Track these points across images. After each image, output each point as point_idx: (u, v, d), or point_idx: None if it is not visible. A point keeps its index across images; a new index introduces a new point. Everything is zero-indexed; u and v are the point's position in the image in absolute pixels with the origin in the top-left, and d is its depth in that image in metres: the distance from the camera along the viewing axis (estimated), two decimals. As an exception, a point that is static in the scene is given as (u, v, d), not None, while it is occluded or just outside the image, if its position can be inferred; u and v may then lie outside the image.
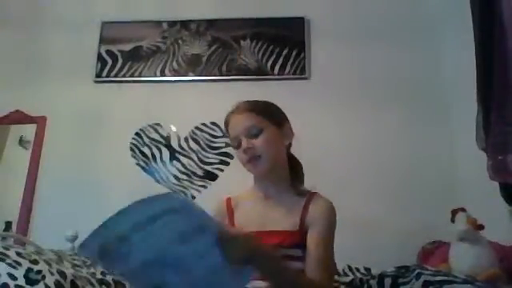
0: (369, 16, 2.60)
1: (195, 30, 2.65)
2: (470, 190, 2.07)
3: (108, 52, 2.63)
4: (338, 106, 2.45)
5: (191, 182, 2.36)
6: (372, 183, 2.28)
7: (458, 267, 1.37)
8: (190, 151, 2.42)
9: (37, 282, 1.04)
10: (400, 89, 2.46)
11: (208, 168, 2.39)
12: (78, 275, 1.19)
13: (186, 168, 2.39)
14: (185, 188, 2.35)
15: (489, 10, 1.60)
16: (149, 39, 2.65)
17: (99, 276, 1.28)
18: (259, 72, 2.54)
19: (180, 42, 2.63)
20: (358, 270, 1.70)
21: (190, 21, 2.66)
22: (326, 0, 2.67)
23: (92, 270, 1.30)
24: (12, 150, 2.53)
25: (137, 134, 2.46)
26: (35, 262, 1.09)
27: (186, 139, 2.45)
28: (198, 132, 2.44)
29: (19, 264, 1.06)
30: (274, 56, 2.55)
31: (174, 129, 2.47)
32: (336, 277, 1.51)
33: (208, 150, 2.42)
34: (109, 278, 1.28)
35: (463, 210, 1.51)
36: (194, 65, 2.59)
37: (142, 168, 2.40)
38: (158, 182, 2.36)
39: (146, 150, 2.43)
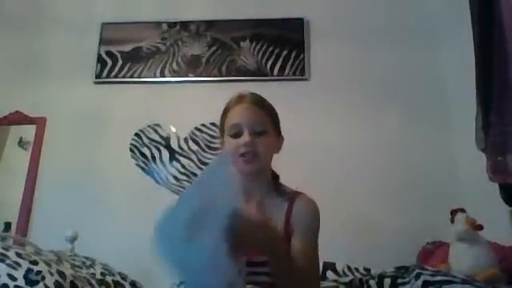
0: (368, 17, 2.61)
1: (195, 31, 2.65)
2: (469, 191, 2.08)
3: (108, 53, 2.63)
4: (338, 107, 2.45)
5: (191, 183, 2.36)
6: (372, 184, 2.28)
7: (457, 267, 1.38)
8: (189, 152, 2.42)
9: (36, 282, 1.04)
10: (400, 89, 2.46)
11: (208, 169, 2.39)
12: (78, 276, 1.19)
13: (185, 169, 2.39)
14: (184, 189, 2.35)
15: (488, 11, 1.60)
16: (148, 40, 2.65)
17: (99, 277, 1.29)
18: (259, 73, 2.54)
19: (180, 42, 2.64)
20: (357, 270, 1.71)
21: (190, 22, 2.67)
22: (326, 1, 2.67)
23: (91, 270, 1.30)
24: (11, 150, 2.53)
25: (136, 134, 2.46)
26: (35, 263, 1.09)
27: (185, 140, 2.45)
28: (197, 133, 2.44)
29: (19, 265, 1.06)
30: (274, 57, 2.55)
31: (173, 129, 2.47)
32: (336, 277, 1.51)
33: (207, 150, 2.42)
34: (108, 279, 1.29)
35: (462, 210, 1.51)
36: (193, 66, 2.59)
37: (142, 169, 2.40)
38: (157, 182, 2.36)
39: (145, 151, 2.43)
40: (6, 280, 1.01)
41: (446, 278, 1.10)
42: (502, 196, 1.59)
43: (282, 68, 2.53)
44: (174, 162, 2.41)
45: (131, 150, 2.43)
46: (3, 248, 1.11)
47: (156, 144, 2.45)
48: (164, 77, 2.58)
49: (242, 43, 2.60)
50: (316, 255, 1.13)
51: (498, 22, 1.55)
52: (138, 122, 2.47)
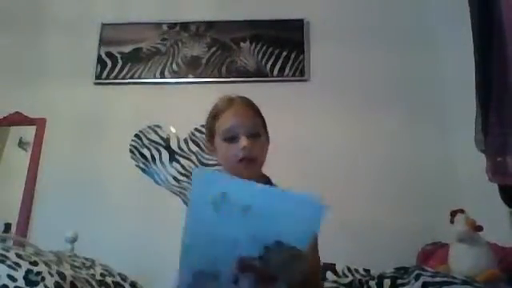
0: (368, 18, 2.61)
1: (195, 32, 2.66)
2: (469, 192, 2.08)
3: (108, 54, 2.63)
4: (338, 108, 2.45)
5: (190, 184, 2.36)
6: (371, 184, 2.28)
7: (457, 268, 1.38)
8: (189, 153, 2.42)
9: (36, 283, 1.04)
10: (399, 90, 2.47)
11: (207, 169, 2.39)
12: (78, 276, 1.19)
13: (185, 169, 2.39)
14: (184, 189, 2.35)
15: (488, 12, 1.61)
16: (148, 41, 2.65)
17: (99, 277, 1.29)
18: (259, 74, 2.54)
19: (179, 43, 2.64)
20: (357, 271, 1.71)
21: (190, 23, 2.67)
22: (326, 2, 2.67)
23: (91, 271, 1.30)
24: (11, 151, 2.53)
25: (136, 135, 2.46)
26: (35, 264, 1.10)
27: (185, 141, 2.45)
28: (197, 134, 2.44)
29: (19, 265, 1.06)
30: (274, 58, 2.56)
31: (173, 130, 2.47)
32: (335, 278, 1.51)
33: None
34: (108, 280, 1.29)
35: (462, 211, 1.51)
36: (193, 67, 2.59)
37: (142, 169, 2.40)
38: (157, 183, 2.36)
39: (145, 152, 2.43)
40: (6, 281, 1.01)
41: (445, 278, 1.10)
42: (502, 197, 1.59)
43: (282, 69, 2.53)
44: (174, 163, 2.41)
45: (131, 151, 2.43)
46: (3, 249, 1.11)
47: (156, 145, 2.45)
48: (164, 78, 2.58)
49: (241, 44, 2.60)
50: (317, 257, 1.12)
51: (497, 23, 1.55)
52: (137, 123, 2.47)
